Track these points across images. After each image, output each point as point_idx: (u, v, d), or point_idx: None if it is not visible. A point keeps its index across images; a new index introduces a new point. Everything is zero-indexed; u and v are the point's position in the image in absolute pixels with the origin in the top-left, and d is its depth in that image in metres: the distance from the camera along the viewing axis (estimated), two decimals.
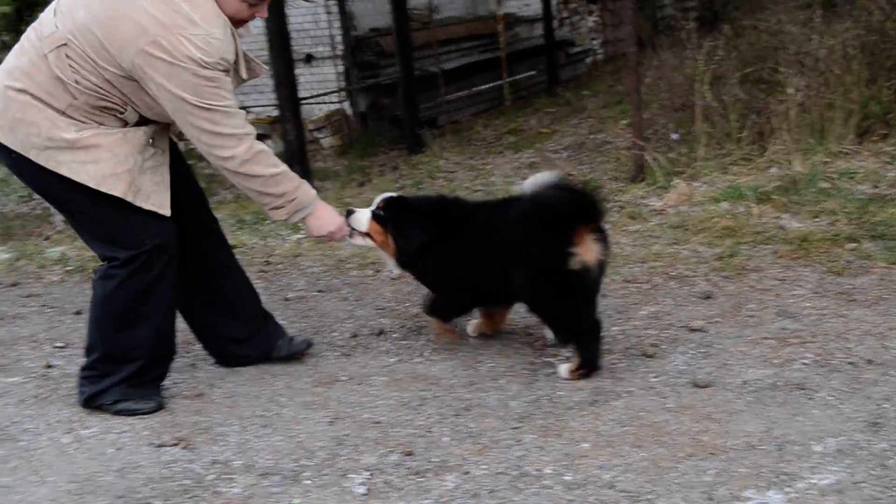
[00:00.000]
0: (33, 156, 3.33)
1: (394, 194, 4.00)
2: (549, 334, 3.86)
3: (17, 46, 3.44)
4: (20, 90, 3.29)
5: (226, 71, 3.27)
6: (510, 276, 3.62)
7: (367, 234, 3.86)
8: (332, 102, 9.57)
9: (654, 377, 3.50)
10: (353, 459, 3.09)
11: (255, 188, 3.45)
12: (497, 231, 3.71)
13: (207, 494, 2.96)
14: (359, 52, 9.77)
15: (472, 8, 11.92)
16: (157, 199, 3.43)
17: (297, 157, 7.36)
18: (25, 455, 3.37)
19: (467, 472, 2.93)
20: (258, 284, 5.07)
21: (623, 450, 2.98)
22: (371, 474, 2.98)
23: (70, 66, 3.23)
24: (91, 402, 3.63)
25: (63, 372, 4.11)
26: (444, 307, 4.00)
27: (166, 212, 3.45)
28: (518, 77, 11.77)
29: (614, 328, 4.02)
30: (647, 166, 6.31)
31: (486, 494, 2.81)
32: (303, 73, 8.84)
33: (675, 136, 6.94)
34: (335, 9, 9.53)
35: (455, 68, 10.61)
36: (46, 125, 3.28)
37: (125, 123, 3.36)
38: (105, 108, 3.31)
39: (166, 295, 3.59)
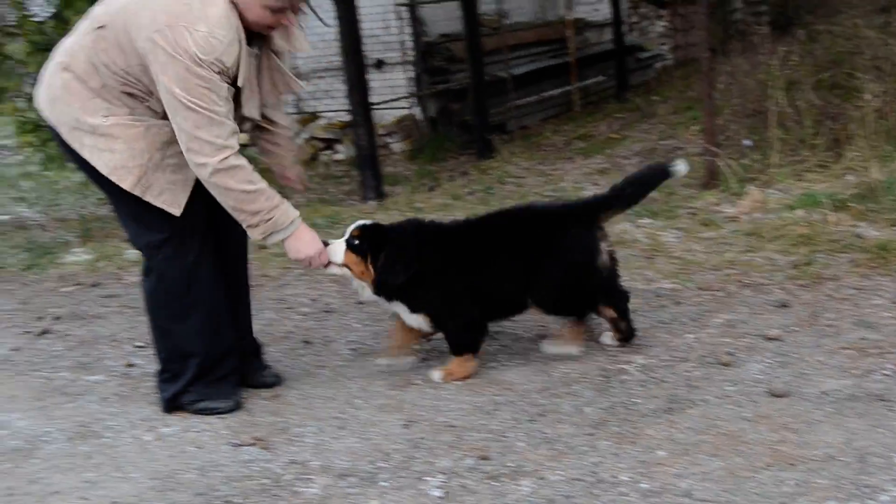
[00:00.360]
0: (64, 133, 3.45)
1: (367, 222, 3.83)
2: (607, 339, 3.96)
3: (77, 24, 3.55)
4: (64, 68, 3.41)
5: (220, 73, 3.21)
6: (533, 283, 3.77)
7: (345, 265, 3.72)
8: (402, 108, 9.64)
9: (731, 386, 3.47)
10: (429, 462, 3.12)
11: (230, 203, 3.37)
12: (518, 239, 3.81)
13: (286, 494, 3.01)
14: (429, 57, 9.83)
15: (541, 13, 11.92)
16: (168, 196, 3.45)
17: (369, 162, 7.44)
18: (108, 451, 3.46)
19: (543, 478, 2.94)
20: (330, 288, 5.19)
21: (700, 458, 2.96)
22: (447, 477, 3.00)
23: (103, 49, 3.31)
24: (172, 404, 3.71)
25: (143, 371, 4.21)
26: (468, 336, 3.84)
27: (175, 211, 3.46)
28: (587, 82, 11.73)
29: (689, 335, 4.00)
30: (719, 173, 6.25)
31: (563, 500, 2.81)
32: (374, 79, 8.90)
33: (747, 143, 6.87)
34: (406, 15, 9.60)
35: (524, 73, 10.61)
36: (78, 105, 3.38)
37: (155, 113, 3.40)
38: (132, 94, 3.36)
39: (209, 286, 3.64)
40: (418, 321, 3.80)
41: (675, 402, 3.38)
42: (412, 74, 9.75)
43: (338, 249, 3.70)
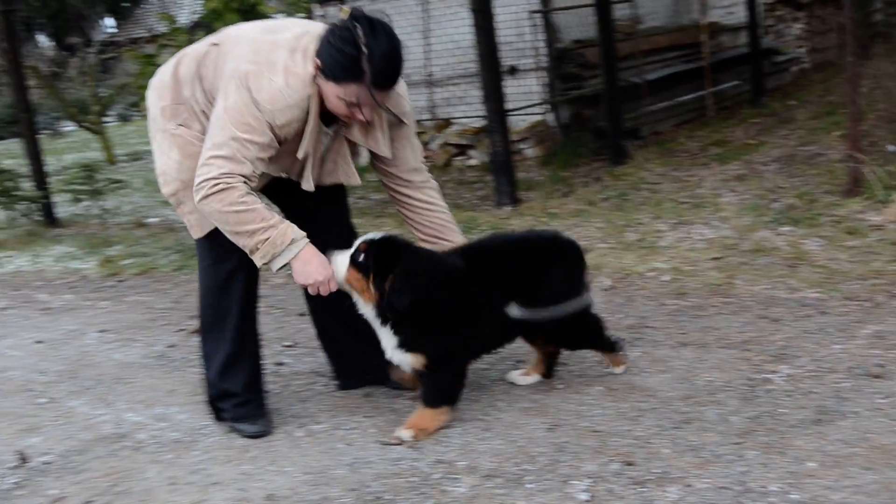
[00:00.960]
0: (148, 118, 3.67)
1: (377, 235, 3.54)
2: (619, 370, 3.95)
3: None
4: (174, 66, 3.58)
5: (269, 129, 3.28)
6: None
7: (348, 282, 3.48)
8: (535, 114, 9.69)
9: (882, 398, 3.41)
10: (574, 466, 3.16)
11: (227, 228, 3.34)
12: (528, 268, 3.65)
13: (434, 492, 3.09)
14: (562, 63, 9.85)
15: (675, 17, 11.79)
16: (196, 217, 3.55)
17: (503, 168, 7.51)
18: (263, 446, 3.61)
19: (690, 485, 2.95)
20: None
21: (852, 471, 2.92)
22: (593, 481, 3.04)
23: (205, 64, 3.46)
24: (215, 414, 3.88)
25: (292, 370, 4.38)
26: (452, 382, 3.60)
27: (194, 233, 3.56)
28: (722, 87, 11.55)
29: (835, 346, 3.93)
30: (863, 179, 6.10)
31: None
32: (507, 85, 8.96)
33: (892, 148, 6.68)
34: (540, 21, 9.64)
35: (658, 79, 10.53)
36: (165, 104, 3.55)
37: None
38: (207, 116, 3.45)
39: (238, 304, 3.68)
40: (402, 359, 3.56)
41: (823, 413, 3.34)
42: (545, 81, 9.79)
43: (341, 263, 3.47)
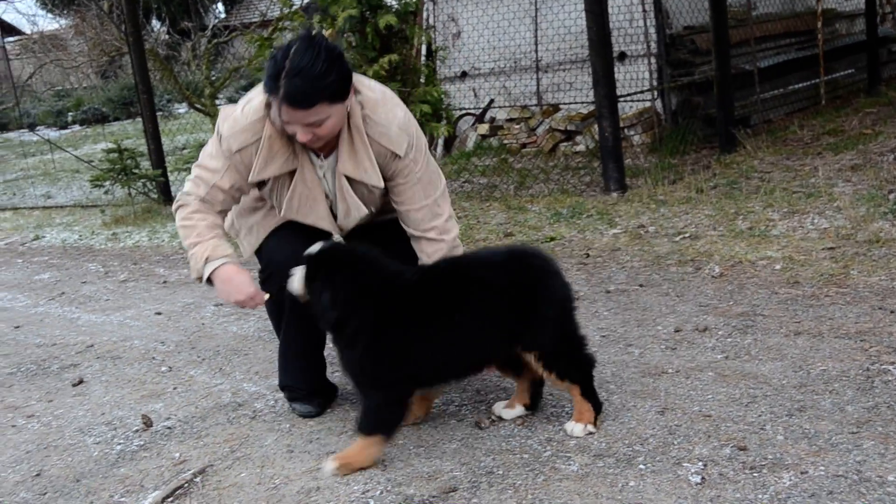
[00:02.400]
0: None
1: (314, 248, 3.34)
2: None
3: None
4: None
5: (226, 155, 3.48)
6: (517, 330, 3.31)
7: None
8: (643, 100, 9.61)
9: None
10: (686, 449, 3.16)
11: (182, 242, 3.62)
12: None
13: (546, 469, 3.13)
14: (672, 50, 9.74)
15: (789, 4, 11.54)
16: (244, 237, 3.82)
17: (612, 154, 7.48)
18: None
19: (804, 472, 2.93)
20: (578, 276, 5.29)
21: None
22: (705, 465, 3.04)
23: None
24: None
25: None
26: (393, 408, 3.29)
27: (234, 256, 3.58)
28: (836, 75, 11.27)
29: None
30: None
31: (826, 496, 2.79)
32: (616, 71, 8.91)
33: None
34: (651, 7, 9.55)
35: (770, 66, 10.33)
36: None
37: None
38: None
39: (289, 323, 3.79)
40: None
41: None
42: (655, 67, 9.69)
43: (297, 279, 3.36)
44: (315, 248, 3.32)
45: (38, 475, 3.61)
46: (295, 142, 3.46)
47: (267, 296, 3.53)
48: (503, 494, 2.99)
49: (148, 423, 3.96)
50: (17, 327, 5.84)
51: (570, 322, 3.40)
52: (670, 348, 4.08)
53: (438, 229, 3.64)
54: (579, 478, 3.06)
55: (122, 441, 3.83)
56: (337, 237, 3.76)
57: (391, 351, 3.24)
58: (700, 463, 3.06)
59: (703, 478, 2.96)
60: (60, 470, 3.63)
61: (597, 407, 3.40)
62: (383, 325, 3.23)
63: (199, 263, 3.47)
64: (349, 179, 3.55)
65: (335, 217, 3.68)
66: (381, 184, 3.56)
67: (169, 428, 3.90)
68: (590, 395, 3.39)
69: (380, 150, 3.51)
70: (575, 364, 3.36)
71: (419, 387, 3.41)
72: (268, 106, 3.41)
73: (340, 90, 3.29)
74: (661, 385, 3.72)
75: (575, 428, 3.37)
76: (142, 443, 3.79)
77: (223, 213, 3.63)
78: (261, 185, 3.59)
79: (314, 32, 3.37)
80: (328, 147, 3.52)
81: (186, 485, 3.34)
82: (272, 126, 3.44)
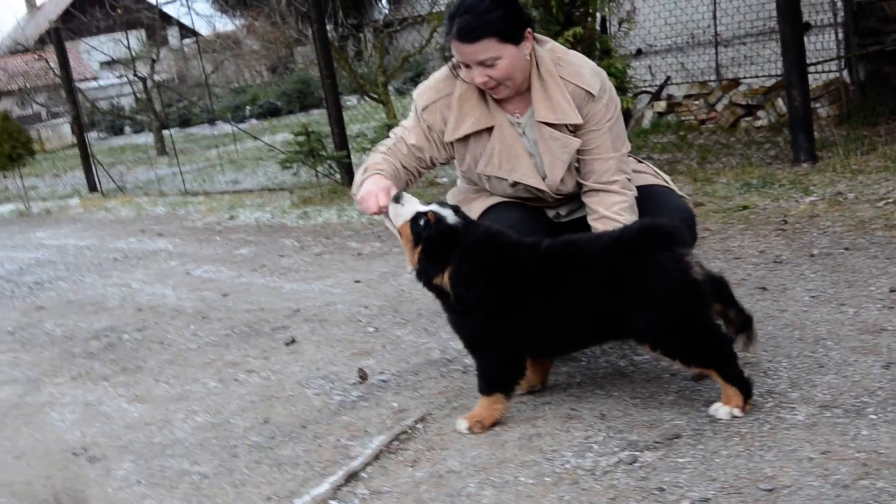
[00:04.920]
0: None
1: (446, 214, 3.27)
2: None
3: None
4: None
5: (416, 112, 3.69)
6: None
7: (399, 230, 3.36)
8: (829, 71, 9.29)
9: None
10: None
11: None
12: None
13: (771, 419, 3.09)
14: (860, 18, 9.37)
15: None
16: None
17: (802, 125, 7.26)
18: (590, 374, 3.75)
19: None
20: (777, 241, 5.19)
21: None
22: None
23: None
24: None
25: None
26: (502, 369, 3.34)
27: (388, 174, 3.61)
28: None
29: None
30: None
31: None
32: None
33: None
34: None
35: None
36: None
37: None
38: None
39: None
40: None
41: None
42: (841, 36, 9.35)
43: (401, 213, 3.32)
44: (445, 213, 3.27)
45: (265, 422, 3.81)
46: (488, 101, 3.58)
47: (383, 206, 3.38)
48: (729, 441, 2.98)
49: (364, 376, 4.12)
50: (225, 295, 6.16)
51: (689, 306, 3.09)
52: (887, 307, 3.96)
53: (622, 184, 3.65)
54: (807, 426, 3.01)
55: (340, 392, 4.01)
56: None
57: (499, 320, 3.23)
58: None
59: None
60: (286, 418, 3.82)
61: (745, 390, 3.14)
62: (496, 294, 3.22)
63: (357, 177, 3.60)
64: (549, 127, 3.60)
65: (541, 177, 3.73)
66: (580, 119, 3.57)
67: (384, 381, 4.05)
68: (733, 378, 3.13)
69: (574, 90, 3.56)
70: (701, 349, 3.11)
71: (527, 354, 3.38)
72: (454, 68, 3.59)
73: (508, 28, 3.42)
74: (882, 341, 3.61)
75: (720, 409, 3.15)
76: (360, 394, 3.95)
77: (404, 168, 3.71)
78: (462, 150, 3.70)
79: None
80: (517, 99, 3.62)
81: (409, 430, 3.47)
82: (462, 86, 3.59)
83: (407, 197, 3.33)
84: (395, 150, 3.70)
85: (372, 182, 3.45)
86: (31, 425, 4.26)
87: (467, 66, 3.49)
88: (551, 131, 3.61)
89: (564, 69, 3.56)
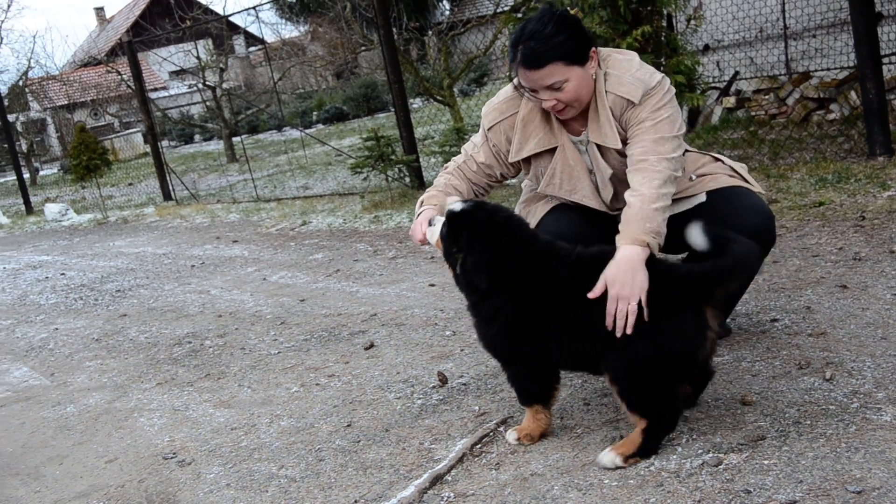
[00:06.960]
0: None
1: (458, 206, 3.22)
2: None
3: None
4: None
5: (484, 131, 3.75)
6: None
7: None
8: None
9: None
10: None
11: None
12: None
13: (857, 420, 3.07)
14: None
15: None
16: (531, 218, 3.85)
17: (877, 117, 7.14)
18: None
19: None
20: (856, 238, 5.12)
21: None
22: None
23: None
24: None
25: None
26: (530, 381, 3.28)
27: (440, 206, 3.58)
28: None
29: None
30: None
31: None
32: None
33: None
34: None
35: None
36: None
37: None
38: None
39: None
40: None
41: None
42: None
43: (434, 233, 3.34)
44: (458, 206, 3.22)
45: (348, 426, 3.89)
46: (552, 121, 3.60)
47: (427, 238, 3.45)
48: (815, 443, 2.97)
49: (444, 380, 4.17)
50: (303, 300, 6.28)
51: (678, 369, 3.02)
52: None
53: (653, 162, 3.37)
54: (894, 427, 2.99)
55: (421, 396, 4.07)
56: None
57: (523, 332, 3.15)
58: None
59: None
60: (368, 421, 3.89)
61: (644, 452, 3.05)
62: (522, 306, 3.13)
63: (417, 207, 3.68)
64: (599, 148, 3.60)
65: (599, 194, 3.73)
66: (619, 144, 3.51)
67: (464, 384, 4.10)
68: (651, 438, 3.04)
69: (615, 100, 3.49)
70: (655, 401, 3.02)
71: (555, 365, 3.28)
72: (517, 87, 3.61)
73: (573, 51, 3.39)
74: None
75: (604, 456, 3.06)
76: (441, 397, 4.00)
77: (473, 185, 3.78)
78: (528, 167, 3.77)
79: (554, 7, 3.53)
80: (580, 118, 3.61)
81: (492, 433, 3.51)
82: (527, 106, 3.63)
83: (437, 218, 3.36)
84: (465, 168, 3.79)
85: (421, 217, 3.54)
86: (122, 430, 4.39)
87: (533, 91, 3.48)
88: (599, 155, 3.62)
89: (609, 82, 3.50)
